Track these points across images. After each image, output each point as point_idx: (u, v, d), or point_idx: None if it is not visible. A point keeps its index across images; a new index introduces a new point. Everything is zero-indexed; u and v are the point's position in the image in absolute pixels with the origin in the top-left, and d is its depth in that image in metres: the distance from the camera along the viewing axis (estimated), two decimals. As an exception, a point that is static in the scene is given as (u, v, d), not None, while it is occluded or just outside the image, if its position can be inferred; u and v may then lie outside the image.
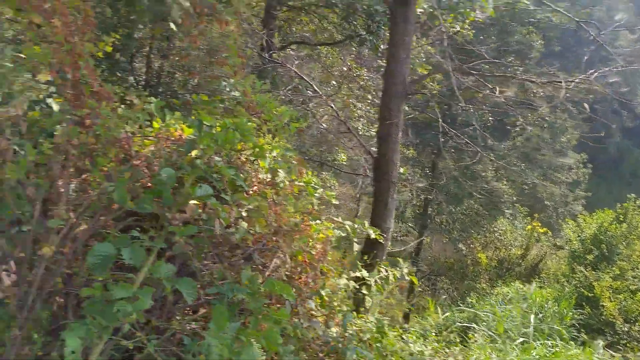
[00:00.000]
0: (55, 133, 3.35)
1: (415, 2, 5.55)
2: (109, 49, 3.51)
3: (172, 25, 3.72)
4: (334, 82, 10.49)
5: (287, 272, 3.00)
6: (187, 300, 2.47)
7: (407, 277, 3.81)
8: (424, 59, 10.19)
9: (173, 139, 3.44)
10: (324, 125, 10.09)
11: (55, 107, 4.28)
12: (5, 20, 12.29)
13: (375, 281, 3.78)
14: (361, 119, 10.91)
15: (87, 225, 3.19)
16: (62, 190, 2.84)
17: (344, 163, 12.43)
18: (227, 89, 3.57)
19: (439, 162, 15.92)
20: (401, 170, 6.84)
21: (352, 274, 3.86)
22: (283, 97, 8.71)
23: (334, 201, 3.55)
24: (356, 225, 3.52)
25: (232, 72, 4.45)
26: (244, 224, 3.09)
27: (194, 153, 3.27)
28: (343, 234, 3.50)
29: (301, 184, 3.64)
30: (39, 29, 3.46)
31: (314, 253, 3.43)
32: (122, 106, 3.64)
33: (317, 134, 10.80)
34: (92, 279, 3.11)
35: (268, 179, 3.49)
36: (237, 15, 4.20)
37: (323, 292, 3.18)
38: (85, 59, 3.47)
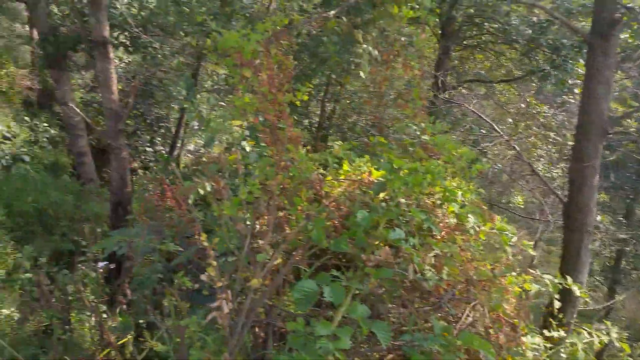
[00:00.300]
0: (255, 173, 3.71)
1: (617, 34, 5.02)
2: (305, 98, 3.81)
3: (362, 74, 3.90)
4: (510, 120, 9.95)
5: (483, 327, 2.82)
6: (382, 344, 2.46)
7: (617, 344, 3.30)
8: (616, 93, 9.13)
9: (361, 180, 3.55)
10: (498, 165, 9.57)
11: (248, 149, 4.74)
12: (205, 73, 14.17)
13: (576, 345, 3.34)
14: (541, 159, 10.11)
15: (282, 260, 3.43)
16: (268, 227, 3.11)
17: (520, 206, 11.56)
18: (417, 132, 3.59)
19: (637, 209, 13.82)
20: (598, 217, 6.09)
21: (547, 334, 3.49)
22: (454, 136, 8.51)
23: (532, 252, 3.28)
24: (557, 280, 3.19)
25: (413, 114, 4.48)
26: (433, 270, 3.01)
27: (381, 195, 3.33)
28: (542, 289, 3.19)
29: (491, 230, 3.44)
30: (247, 81, 3.89)
31: (507, 307, 3.18)
32: (307, 148, 3.89)
33: (490, 174, 10.28)
34: (288, 312, 3.31)
35: (455, 224, 3.38)
36: (421, 60, 4.25)
37: (520, 352, 2.91)
38: (284, 107, 3.80)
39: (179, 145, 15.23)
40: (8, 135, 11.80)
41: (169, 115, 16.43)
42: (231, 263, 3.42)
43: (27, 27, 15.17)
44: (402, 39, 4.88)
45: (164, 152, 15.31)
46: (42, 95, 14.72)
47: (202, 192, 4.10)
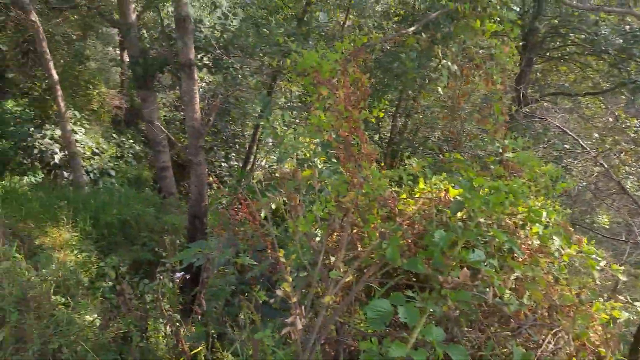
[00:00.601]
0: (328, 190, 3.71)
1: None
2: (381, 114, 3.78)
3: (439, 90, 3.82)
4: (596, 135, 9.34)
5: (566, 355, 2.63)
6: (458, 369, 2.36)
7: None
8: None
9: (438, 199, 3.45)
10: (583, 183, 8.99)
11: (320, 165, 4.77)
12: (278, 90, 14.56)
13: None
14: (630, 177, 9.37)
15: (354, 277, 3.40)
16: (341, 243, 3.10)
17: (605, 226, 10.76)
18: (499, 149, 3.45)
19: None
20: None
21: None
22: (536, 152, 8.11)
23: (622, 277, 3.03)
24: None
25: (493, 130, 4.32)
26: (514, 294, 2.86)
27: (458, 214, 3.22)
28: (633, 317, 2.93)
29: (576, 253, 3.22)
30: (323, 99, 3.92)
31: (592, 335, 2.96)
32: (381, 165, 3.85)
33: (573, 193, 9.67)
34: (359, 331, 3.27)
35: (538, 246, 3.19)
36: (503, 74, 4.10)
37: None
38: (359, 124, 3.79)
39: (252, 160, 15.71)
40: (97, 150, 12.73)
41: (243, 131, 17.06)
42: (303, 278, 3.43)
43: (118, 51, 16.38)
44: (481, 51, 4.75)
45: (238, 166, 15.86)
46: (129, 113, 15.79)
47: (274, 206, 4.17)
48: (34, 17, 9.32)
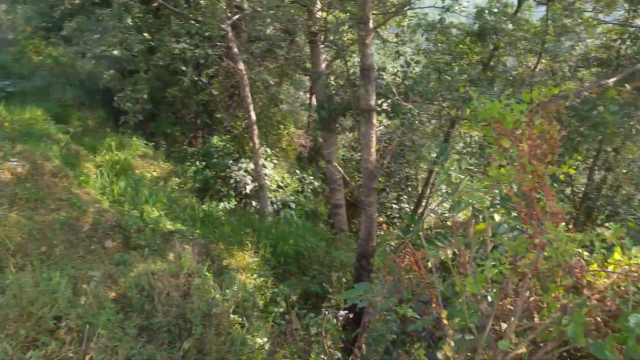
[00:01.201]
0: (504, 248, 3.44)
1: None
2: (572, 171, 3.42)
3: None
4: None
5: None
6: None
7: None
8: None
9: (637, 275, 2.95)
10: None
11: (497, 218, 4.43)
12: (457, 135, 14.24)
13: None
14: None
15: (527, 350, 3.06)
16: (514, 311, 2.83)
17: None
18: None
19: None
20: None
21: None
22: None
23: None
24: None
25: None
26: None
27: (666, 297, 2.70)
28: None
29: None
30: (505, 152, 3.70)
31: None
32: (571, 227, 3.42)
33: None
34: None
35: None
36: None
37: None
38: (545, 180, 3.46)
39: (423, 204, 15.48)
40: (281, 184, 13.95)
41: (417, 174, 17.02)
42: (468, 342, 3.20)
43: (307, 95, 17.96)
44: None
45: (408, 209, 15.79)
46: (311, 151, 17.05)
47: (442, 257, 4.00)
48: (241, 66, 10.74)
